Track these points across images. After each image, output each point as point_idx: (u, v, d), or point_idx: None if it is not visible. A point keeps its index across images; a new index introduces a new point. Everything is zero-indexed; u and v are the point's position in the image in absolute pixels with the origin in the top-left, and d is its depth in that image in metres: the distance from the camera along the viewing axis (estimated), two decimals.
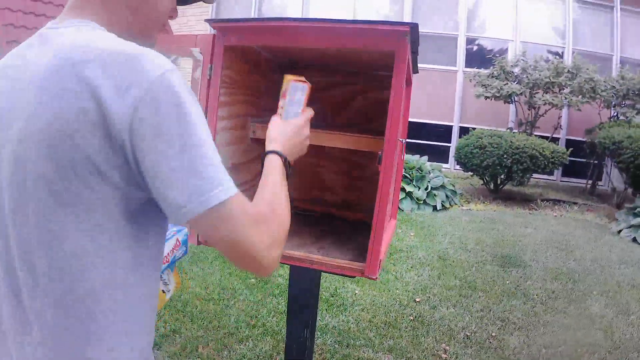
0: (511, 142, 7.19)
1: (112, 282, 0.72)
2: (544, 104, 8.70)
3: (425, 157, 7.73)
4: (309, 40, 1.24)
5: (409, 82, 1.79)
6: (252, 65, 1.67)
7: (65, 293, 0.70)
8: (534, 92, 8.85)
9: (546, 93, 8.74)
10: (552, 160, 7.28)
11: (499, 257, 4.71)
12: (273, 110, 1.10)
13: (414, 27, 1.12)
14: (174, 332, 2.86)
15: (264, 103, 1.86)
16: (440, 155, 10.42)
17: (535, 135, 8.33)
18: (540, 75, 8.42)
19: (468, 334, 3.08)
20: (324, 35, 1.22)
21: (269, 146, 0.98)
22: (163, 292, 1.17)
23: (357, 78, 1.96)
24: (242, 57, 1.55)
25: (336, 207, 2.09)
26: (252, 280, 3.75)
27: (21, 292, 0.72)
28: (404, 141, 1.21)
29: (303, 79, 1.08)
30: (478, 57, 10.55)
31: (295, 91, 1.08)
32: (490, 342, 2.98)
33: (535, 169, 7.30)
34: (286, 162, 0.95)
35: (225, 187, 0.68)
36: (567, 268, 4.52)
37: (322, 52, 1.53)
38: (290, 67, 1.91)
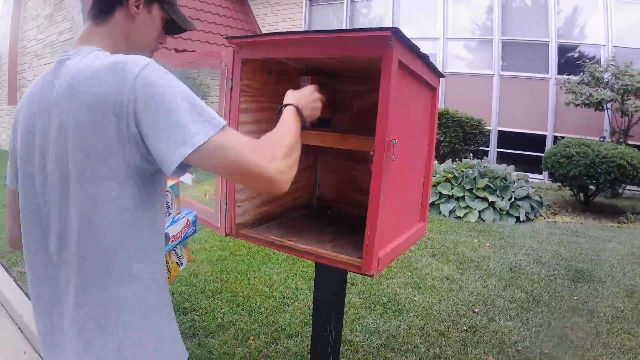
0: (599, 151, 6.73)
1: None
2: (637, 111, 8.02)
3: (512, 167, 7.45)
4: (303, 51, 1.35)
5: (432, 88, 1.83)
6: (278, 75, 1.80)
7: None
8: (626, 98, 8.20)
9: (638, 99, 8.05)
10: None
11: (573, 272, 4.47)
12: None
13: (395, 31, 1.18)
14: (229, 323, 3.07)
15: None
16: (533, 165, 9.93)
17: (629, 145, 7.71)
18: (630, 80, 7.79)
19: (519, 348, 2.97)
20: (314, 46, 1.32)
21: (285, 101, 1.20)
22: (177, 264, 1.34)
23: None
24: (263, 68, 1.69)
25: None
26: None
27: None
28: (394, 141, 1.27)
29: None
30: (570, 64, 9.98)
31: (304, 82, 1.63)
32: (540, 359, 2.87)
33: (623, 180, 6.76)
34: (299, 112, 1.17)
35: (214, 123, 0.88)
36: None
37: (346, 61, 1.61)
38: (321, 75, 2.01)
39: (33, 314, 1.05)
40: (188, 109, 0.86)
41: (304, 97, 1.24)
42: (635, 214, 6.93)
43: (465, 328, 3.22)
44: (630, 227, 6.41)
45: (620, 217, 6.80)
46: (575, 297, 3.85)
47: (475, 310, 3.53)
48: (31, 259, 1.03)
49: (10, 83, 12.50)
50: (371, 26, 11.63)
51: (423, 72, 1.57)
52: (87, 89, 0.88)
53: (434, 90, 1.83)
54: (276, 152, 0.94)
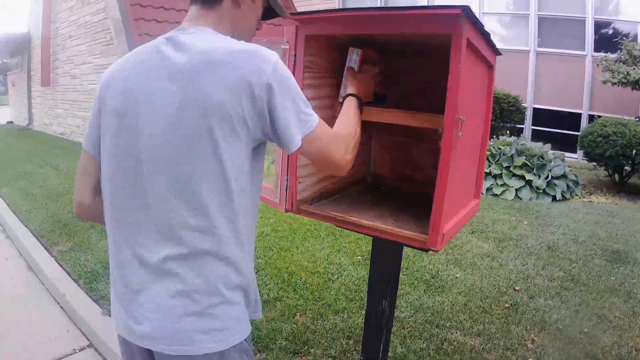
0: (635, 131, 6.59)
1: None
2: None
3: (548, 145, 7.35)
4: (371, 28, 1.37)
5: (490, 66, 1.83)
6: (340, 51, 1.81)
7: None
8: None
9: None
10: None
11: (609, 252, 4.42)
12: None
13: (466, 9, 1.18)
14: (276, 300, 3.14)
15: None
16: (568, 144, 9.73)
17: None
18: None
19: (560, 327, 2.98)
20: (380, 23, 1.34)
21: (347, 90, 1.43)
22: None
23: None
24: (327, 44, 1.71)
25: (426, 185, 2.17)
26: (359, 257, 3.94)
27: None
28: (463, 119, 1.29)
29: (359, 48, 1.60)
30: (608, 41, 9.68)
31: (351, 54, 1.61)
32: (580, 338, 2.87)
33: None
34: (360, 101, 1.38)
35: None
36: None
37: (408, 38, 1.62)
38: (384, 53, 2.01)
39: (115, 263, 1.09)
40: (304, 101, 1.04)
41: (363, 84, 1.48)
42: None
43: (507, 305, 3.24)
44: None
45: None
46: (612, 278, 3.82)
47: (516, 288, 3.54)
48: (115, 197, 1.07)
49: (43, 65, 12.72)
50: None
51: (484, 49, 1.58)
52: (228, 69, 0.95)
53: (491, 67, 1.83)
54: (348, 146, 1.16)
